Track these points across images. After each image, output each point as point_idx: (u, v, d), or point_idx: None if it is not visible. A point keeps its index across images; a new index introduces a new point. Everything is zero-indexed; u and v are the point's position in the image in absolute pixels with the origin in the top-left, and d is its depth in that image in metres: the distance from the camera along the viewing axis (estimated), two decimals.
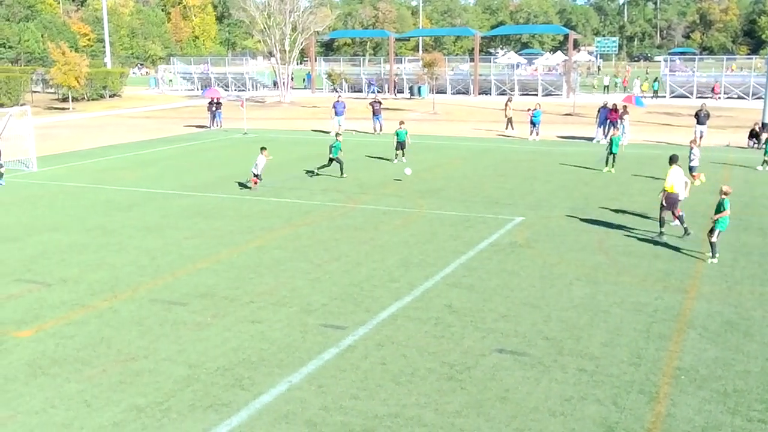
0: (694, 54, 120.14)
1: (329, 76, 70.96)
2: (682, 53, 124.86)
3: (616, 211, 21.41)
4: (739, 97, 62.53)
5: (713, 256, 16.35)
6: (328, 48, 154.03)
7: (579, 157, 32.05)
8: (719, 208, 16.20)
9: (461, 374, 10.76)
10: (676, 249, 17.38)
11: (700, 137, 35.83)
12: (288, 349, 11.67)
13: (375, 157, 32.01)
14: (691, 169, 24.54)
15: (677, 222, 18.38)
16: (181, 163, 31.76)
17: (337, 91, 62.89)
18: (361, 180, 26.64)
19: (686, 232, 18.18)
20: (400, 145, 30.40)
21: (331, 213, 21.42)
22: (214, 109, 46.25)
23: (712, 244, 16.31)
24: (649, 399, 10.02)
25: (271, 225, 20.00)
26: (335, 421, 9.44)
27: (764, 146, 30.21)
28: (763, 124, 38.45)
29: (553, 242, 18.07)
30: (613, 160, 28.15)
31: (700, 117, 35.93)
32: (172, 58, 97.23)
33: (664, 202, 18.04)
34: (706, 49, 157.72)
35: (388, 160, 31.34)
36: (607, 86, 72.01)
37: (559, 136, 40.53)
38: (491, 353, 11.49)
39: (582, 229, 19.41)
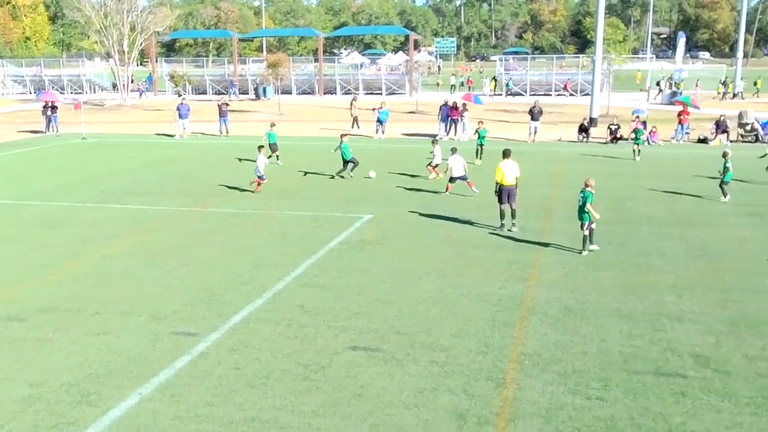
0: (526, 53, 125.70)
1: (172, 77, 69.17)
2: (515, 53, 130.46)
3: (463, 205, 22.12)
4: (570, 94, 66.06)
5: (586, 247, 16.89)
6: (170, 49, 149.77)
7: (424, 154, 32.81)
8: (584, 201, 16.61)
9: (316, 374, 10.82)
10: (518, 240, 18.18)
11: (535, 132, 37.68)
12: (137, 360, 11.33)
13: (239, 160, 31.53)
14: (430, 164, 26.36)
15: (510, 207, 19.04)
16: (18, 171, 30.08)
17: (180, 94, 61.42)
18: (211, 183, 26.18)
19: (501, 225, 19.03)
20: (272, 148, 30.08)
21: (179, 218, 20.93)
22: (49, 113, 44.00)
23: (584, 237, 16.88)
24: (497, 385, 10.44)
25: (117, 232, 19.29)
26: (190, 430, 9.27)
27: (635, 137, 32.36)
28: (591, 119, 40.87)
29: (402, 238, 18.46)
30: (481, 152, 29.56)
31: (534, 113, 37.74)
32: (0, 60, 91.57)
33: (497, 194, 18.87)
34: (538, 49, 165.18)
35: (243, 160, 31.01)
36: (454, 85, 74.17)
37: (403, 134, 41.38)
38: (345, 351, 11.61)
39: (430, 224, 19.94)
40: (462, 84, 76.87)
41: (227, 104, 43.05)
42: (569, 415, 9.60)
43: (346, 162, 26.92)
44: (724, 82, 65.53)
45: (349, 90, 68.10)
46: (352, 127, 42.10)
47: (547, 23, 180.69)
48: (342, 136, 27.40)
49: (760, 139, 37.46)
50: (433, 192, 24.20)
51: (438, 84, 75.64)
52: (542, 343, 11.88)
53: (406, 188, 25.03)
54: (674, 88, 62.76)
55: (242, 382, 10.56)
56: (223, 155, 33.11)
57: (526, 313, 13.25)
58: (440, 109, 39.62)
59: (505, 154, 19.24)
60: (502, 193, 18.75)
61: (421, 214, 20.99)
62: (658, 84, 64.79)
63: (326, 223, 19.98)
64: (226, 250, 17.51)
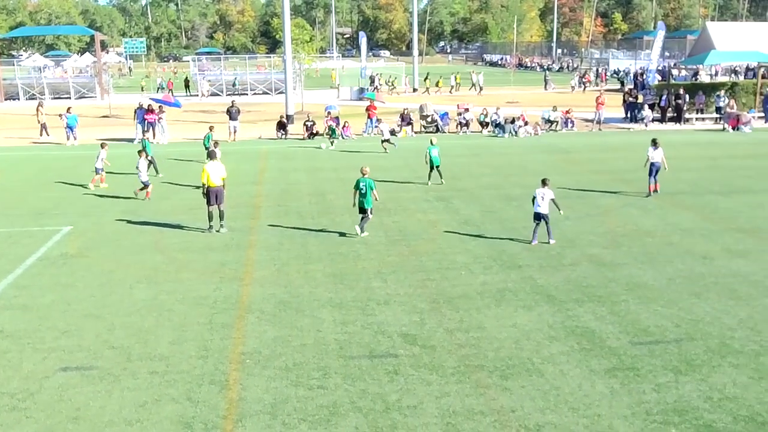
0: (219, 53, 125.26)
1: None
2: (208, 53, 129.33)
3: (170, 209, 21.61)
4: (264, 93, 67.01)
5: (363, 231, 18.31)
6: None
7: (125, 160, 31.54)
8: (367, 188, 17.94)
9: (25, 402, 10.07)
10: (228, 240, 18.20)
11: (234, 132, 37.77)
12: None
13: None
14: (96, 170, 25.43)
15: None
16: None
17: None
18: None
19: (210, 227, 18.99)
20: None
21: None
22: None
23: (363, 218, 18.31)
24: (221, 388, 10.44)
25: None
26: None
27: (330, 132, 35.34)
28: (287, 116, 41.85)
29: (108, 248, 17.67)
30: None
31: (232, 113, 37.81)
32: None
33: (204, 195, 18.76)
34: (230, 49, 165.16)
35: None
36: (160, 87, 71.06)
37: (98, 139, 39.26)
38: (56, 373, 10.92)
39: (137, 231, 19.27)
40: (163, 87, 73.84)
41: None
42: (294, 407, 9.88)
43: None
44: (427, 77, 70.61)
45: (34, 95, 63.32)
46: (41, 134, 39.24)
47: (236, 23, 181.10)
48: (144, 133, 27.72)
49: (440, 129, 40.77)
50: (135, 198, 23.33)
51: (142, 87, 72.04)
52: (261, 341, 12.06)
53: (107, 196, 23.89)
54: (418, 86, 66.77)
55: None
56: None
57: (243, 312, 13.36)
58: (135, 112, 38.31)
59: (211, 155, 19.20)
60: (210, 195, 18.64)
61: (126, 222, 20.20)
62: (372, 81, 68.00)
63: (22, 239, 18.50)
64: None
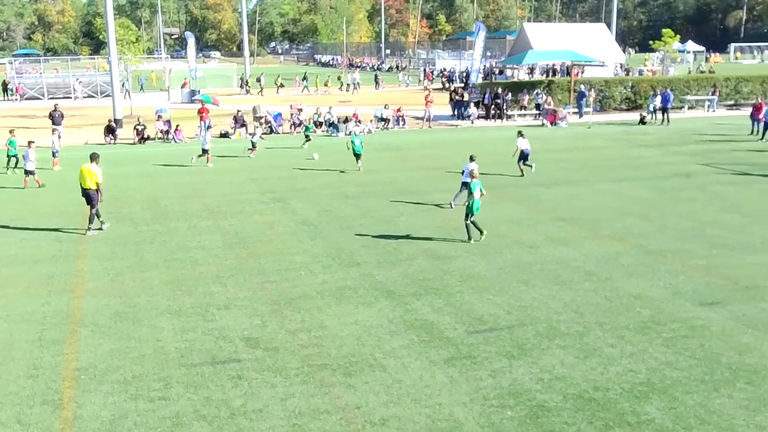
0: (39, 55, 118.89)
1: None
2: (26, 55, 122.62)
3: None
4: (90, 96, 64.19)
5: (469, 239, 17.60)
6: None
7: None
8: (470, 192, 17.47)
9: None
10: (56, 251, 17.33)
11: (59, 138, 35.89)
12: None
13: None
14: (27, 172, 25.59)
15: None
16: None
17: None
18: None
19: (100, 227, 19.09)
20: None
21: None
22: None
23: (467, 227, 17.59)
24: (54, 408, 9.94)
25: None
26: None
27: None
28: (116, 120, 40.32)
29: None
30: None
31: (55, 118, 36.01)
32: None
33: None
34: (50, 50, 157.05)
35: None
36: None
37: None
38: None
39: None
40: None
41: None
42: (134, 421, 9.56)
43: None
44: (305, 77, 70.24)
45: None
46: None
47: (56, 24, 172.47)
48: (11, 132, 28.36)
49: (274, 130, 40.62)
50: None
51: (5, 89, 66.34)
52: (97, 354, 11.59)
53: None
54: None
55: None
56: None
57: (75, 326, 12.77)
58: None
59: (92, 157, 19.07)
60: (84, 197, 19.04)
61: None
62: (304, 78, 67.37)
63: None
64: None
